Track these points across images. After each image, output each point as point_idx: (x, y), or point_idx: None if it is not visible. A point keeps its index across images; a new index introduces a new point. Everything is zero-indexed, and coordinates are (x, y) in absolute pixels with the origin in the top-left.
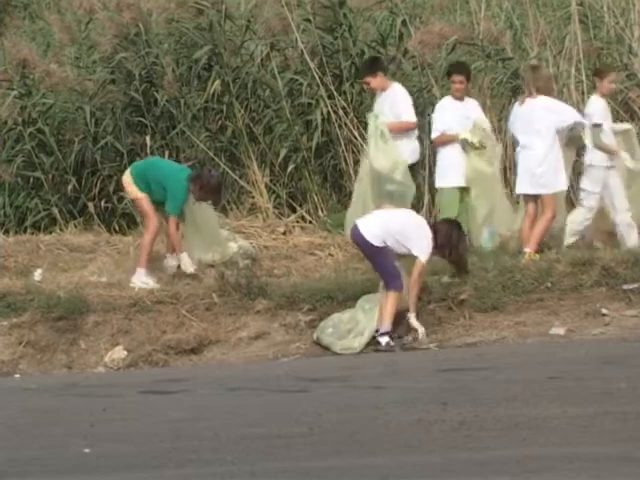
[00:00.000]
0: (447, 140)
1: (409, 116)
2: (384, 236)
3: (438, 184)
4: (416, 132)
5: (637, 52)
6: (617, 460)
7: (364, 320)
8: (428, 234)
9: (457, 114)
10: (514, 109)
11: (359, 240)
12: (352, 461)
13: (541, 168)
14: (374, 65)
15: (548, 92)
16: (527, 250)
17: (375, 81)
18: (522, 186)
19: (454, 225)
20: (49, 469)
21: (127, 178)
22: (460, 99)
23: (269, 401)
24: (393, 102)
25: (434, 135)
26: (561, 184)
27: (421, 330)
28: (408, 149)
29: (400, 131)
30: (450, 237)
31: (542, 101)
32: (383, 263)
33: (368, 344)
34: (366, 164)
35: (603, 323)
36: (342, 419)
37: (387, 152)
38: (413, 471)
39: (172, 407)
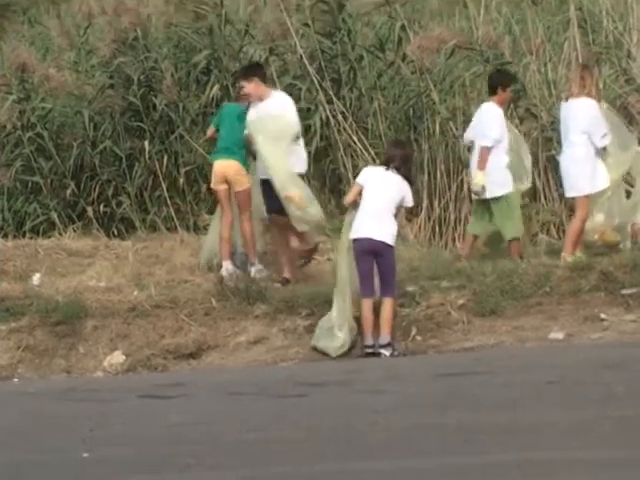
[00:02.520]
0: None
1: (297, 126)
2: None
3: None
4: (301, 141)
5: (636, 57)
6: (617, 464)
7: (336, 316)
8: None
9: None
10: None
11: (376, 246)
12: (352, 465)
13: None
14: (251, 70)
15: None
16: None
17: (249, 87)
18: None
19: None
20: (47, 473)
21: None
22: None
23: (268, 406)
24: (276, 110)
25: (490, 143)
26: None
27: None
28: (294, 158)
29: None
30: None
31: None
32: (394, 265)
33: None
34: None
35: (602, 328)
36: (342, 424)
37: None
38: (412, 475)
39: (171, 412)
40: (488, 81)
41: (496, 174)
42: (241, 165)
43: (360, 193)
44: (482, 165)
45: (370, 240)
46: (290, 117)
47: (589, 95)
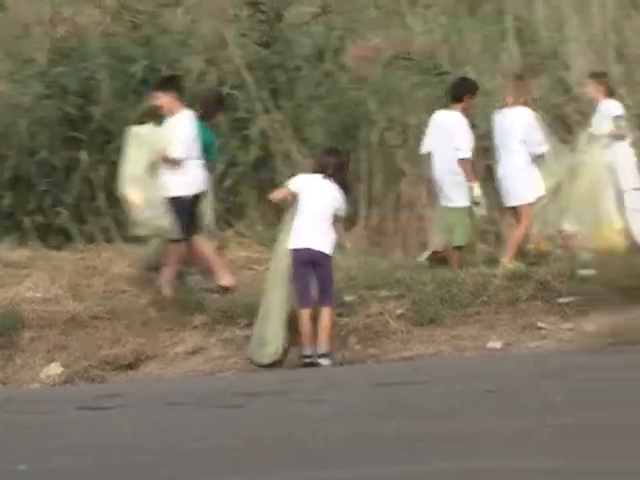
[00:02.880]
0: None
1: (176, 152)
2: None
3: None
4: (190, 164)
5: (572, 67)
6: (557, 473)
7: (258, 326)
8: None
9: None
10: None
11: (317, 256)
12: (291, 475)
13: None
14: (170, 82)
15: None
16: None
17: (164, 99)
18: None
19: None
20: None
21: None
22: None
23: (207, 416)
24: (174, 130)
25: (469, 155)
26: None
27: None
28: (178, 182)
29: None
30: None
31: None
32: (332, 274)
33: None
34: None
35: (539, 336)
36: (281, 433)
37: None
38: None
39: (109, 423)
40: (453, 89)
41: (463, 184)
42: None
43: (293, 199)
44: (471, 178)
45: (308, 250)
46: (175, 140)
47: (524, 104)
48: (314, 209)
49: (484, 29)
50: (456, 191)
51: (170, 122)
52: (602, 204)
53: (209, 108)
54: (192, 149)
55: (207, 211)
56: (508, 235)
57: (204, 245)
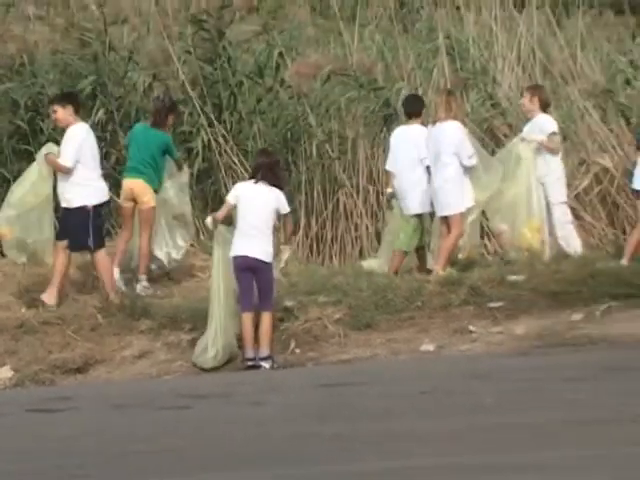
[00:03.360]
0: None
1: (65, 160)
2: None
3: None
4: (88, 177)
5: (501, 82)
6: (488, 469)
7: (211, 330)
8: None
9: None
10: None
11: (255, 263)
12: (233, 475)
13: None
14: (67, 98)
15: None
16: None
17: (62, 112)
18: None
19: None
20: None
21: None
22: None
23: (153, 418)
24: (68, 141)
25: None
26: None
27: None
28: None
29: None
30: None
31: None
32: (272, 280)
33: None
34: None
35: (470, 340)
36: (223, 434)
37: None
38: None
39: (59, 425)
40: (412, 105)
41: (423, 193)
42: (147, 184)
43: (234, 210)
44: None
45: (246, 257)
46: (67, 149)
47: (455, 118)
48: (252, 216)
49: (417, 47)
50: (416, 199)
51: (66, 134)
52: (528, 204)
53: (160, 114)
54: (90, 160)
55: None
56: (440, 244)
57: (107, 259)
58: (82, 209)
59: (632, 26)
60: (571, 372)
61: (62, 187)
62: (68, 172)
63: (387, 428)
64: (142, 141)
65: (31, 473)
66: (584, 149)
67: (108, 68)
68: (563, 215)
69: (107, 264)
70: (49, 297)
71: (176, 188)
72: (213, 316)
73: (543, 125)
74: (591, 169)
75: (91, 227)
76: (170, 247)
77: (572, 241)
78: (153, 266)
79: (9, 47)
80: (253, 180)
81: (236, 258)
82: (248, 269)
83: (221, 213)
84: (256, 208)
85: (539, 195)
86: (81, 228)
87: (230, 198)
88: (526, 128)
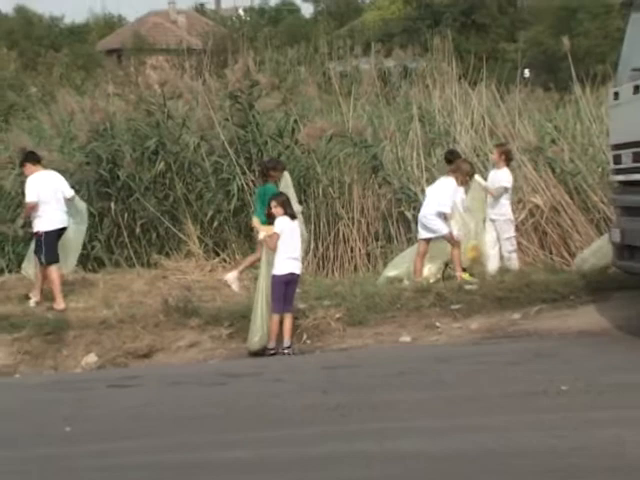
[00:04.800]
0: None
1: (29, 197)
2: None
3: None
4: (44, 209)
5: (459, 142)
6: (445, 429)
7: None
8: None
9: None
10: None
11: (295, 277)
12: (259, 434)
13: None
14: (28, 155)
15: None
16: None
17: (26, 166)
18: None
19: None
20: (40, 443)
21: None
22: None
23: (200, 391)
24: (29, 185)
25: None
26: None
27: None
28: (43, 220)
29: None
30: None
31: None
32: (295, 290)
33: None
34: None
35: (437, 333)
36: (252, 404)
37: None
38: (303, 440)
39: (130, 396)
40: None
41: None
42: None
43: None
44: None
45: (292, 274)
46: (28, 191)
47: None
48: (293, 244)
49: (397, 115)
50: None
51: (27, 181)
52: (470, 231)
53: (266, 170)
54: (49, 197)
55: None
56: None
57: (54, 273)
58: (44, 233)
59: (556, 100)
60: (511, 357)
61: (33, 218)
62: (33, 208)
63: (374, 399)
64: (259, 199)
65: (111, 431)
66: (521, 191)
67: (167, 132)
68: (510, 247)
69: (55, 276)
70: (60, 305)
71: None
72: (257, 314)
73: (502, 177)
74: (526, 206)
75: (48, 246)
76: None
77: (513, 262)
78: None
79: (96, 116)
80: (289, 218)
81: (285, 275)
82: (287, 283)
83: (273, 242)
84: (296, 239)
85: (489, 228)
86: (46, 247)
87: (277, 230)
88: (490, 174)
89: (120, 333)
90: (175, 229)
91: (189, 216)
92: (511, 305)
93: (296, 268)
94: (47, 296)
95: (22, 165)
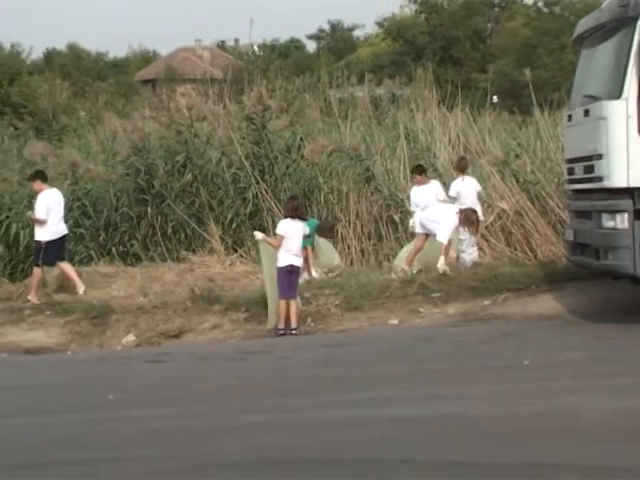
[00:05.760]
0: None
1: (39, 214)
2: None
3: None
4: (48, 223)
5: (439, 157)
6: (428, 397)
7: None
8: None
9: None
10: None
11: (295, 269)
12: (273, 401)
13: None
14: (36, 174)
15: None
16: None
17: (35, 183)
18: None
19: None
20: (85, 409)
21: None
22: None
23: (221, 365)
24: (39, 201)
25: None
26: None
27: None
28: (45, 232)
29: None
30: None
31: None
32: (298, 280)
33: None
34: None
35: (420, 317)
36: (265, 376)
37: None
38: (309, 406)
39: (164, 370)
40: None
41: None
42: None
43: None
44: None
45: (292, 266)
46: (38, 207)
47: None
48: (294, 242)
49: (386, 134)
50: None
51: (38, 197)
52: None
53: (326, 230)
54: (55, 212)
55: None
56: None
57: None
58: (47, 242)
59: (519, 122)
60: (482, 337)
61: (36, 228)
62: (41, 222)
63: (368, 372)
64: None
65: (147, 399)
66: (490, 197)
67: (193, 148)
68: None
69: (38, 275)
70: (81, 289)
71: None
72: (269, 299)
73: (469, 185)
74: (494, 210)
75: (51, 252)
76: None
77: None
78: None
79: (134, 135)
80: (291, 218)
81: (286, 266)
82: (290, 272)
83: (277, 242)
84: (297, 237)
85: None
86: (48, 252)
87: (280, 231)
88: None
89: (154, 317)
90: (200, 230)
91: (212, 219)
92: (482, 293)
93: (294, 261)
94: (92, 284)
95: (32, 180)
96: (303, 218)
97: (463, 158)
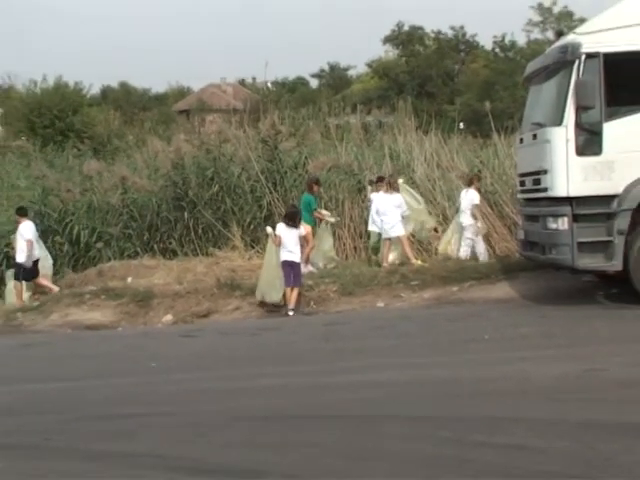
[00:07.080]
0: None
1: (28, 236)
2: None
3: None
4: (32, 247)
5: (417, 172)
6: (408, 365)
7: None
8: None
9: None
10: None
11: (293, 263)
12: (283, 369)
13: None
14: (21, 209)
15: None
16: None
17: (19, 218)
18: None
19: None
20: (132, 374)
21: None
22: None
23: (242, 340)
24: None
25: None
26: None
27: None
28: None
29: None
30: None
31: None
32: (300, 271)
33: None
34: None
35: (402, 301)
36: (276, 348)
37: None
38: (312, 373)
39: (195, 343)
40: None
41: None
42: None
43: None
44: None
45: (289, 261)
46: (24, 233)
47: (396, 190)
48: (289, 242)
49: (374, 153)
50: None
51: (23, 225)
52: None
53: (309, 184)
54: (33, 239)
55: None
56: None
57: (20, 286)
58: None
59: (481, 144)
60: (452, 316)
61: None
62: (29, 244)
63: (360, 345)
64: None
65: (183, 366)
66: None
67: (220, 164)
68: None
69: (18, 288)
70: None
71: None
72: (261, 276)
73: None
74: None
75: (27, 271)
76: None
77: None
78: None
79: (172, 154)
80: (285, 224)
81: (285, 261)
82: (289, 265)
83: (276, 242)
84: (292, 238)
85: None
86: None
87: (278, 232)
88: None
89: (188, 300)
90: (224, 230)
91: (234, 222)
92: (451, 282)
93: (290, 257)
94: (138, 274)
95: (18, 214)
96: (295, 226)
97: (468, 174)
